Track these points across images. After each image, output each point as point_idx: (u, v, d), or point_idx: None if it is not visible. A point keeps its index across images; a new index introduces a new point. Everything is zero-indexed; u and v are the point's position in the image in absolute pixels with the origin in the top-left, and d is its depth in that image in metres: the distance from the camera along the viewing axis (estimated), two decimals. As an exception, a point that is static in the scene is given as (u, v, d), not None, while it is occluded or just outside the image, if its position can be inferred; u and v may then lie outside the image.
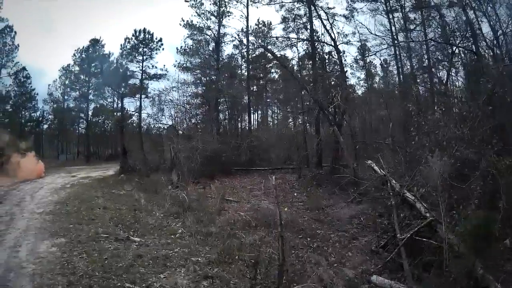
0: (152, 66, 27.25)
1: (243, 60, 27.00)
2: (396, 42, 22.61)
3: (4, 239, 8.75)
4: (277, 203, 7.49)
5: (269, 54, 26.09)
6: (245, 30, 25.27)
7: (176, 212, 12.27)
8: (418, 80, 22.19)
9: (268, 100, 29.32)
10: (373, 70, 25.61)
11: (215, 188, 15.82)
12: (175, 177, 16.86)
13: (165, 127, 25.14)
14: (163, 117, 24.57)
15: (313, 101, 19.10)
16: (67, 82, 28.48)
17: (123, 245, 8.72)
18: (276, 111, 30.74)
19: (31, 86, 27.50)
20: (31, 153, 21.24)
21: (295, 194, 15.60)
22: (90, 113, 28.93)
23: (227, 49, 27.14)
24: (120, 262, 7.54)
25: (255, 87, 27.96)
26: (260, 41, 26.33)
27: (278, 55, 25.05)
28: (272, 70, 28.85)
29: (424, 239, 8.06)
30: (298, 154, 20.08)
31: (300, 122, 23.73)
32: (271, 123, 30.34)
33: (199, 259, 8.13)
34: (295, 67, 26.18)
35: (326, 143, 19.20)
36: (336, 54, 22.05)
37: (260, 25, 26.33)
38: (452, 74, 21.01)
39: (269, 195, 14.35)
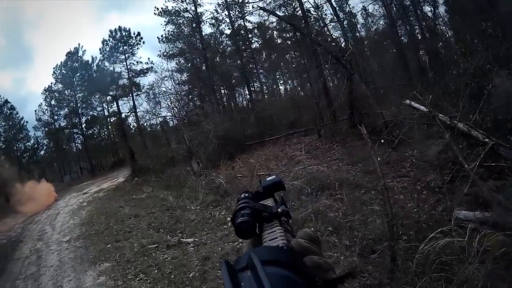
0: (137, 62, 25.95)
1: (223, 36, 25.52)
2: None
3: (40, 283, 7.49)
4: (373, 152, 6.23)
5: (248, 24, 25.00)
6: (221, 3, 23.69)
7: (214, 200, 11.08)
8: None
9: (260, 71, 27.66)
10: (353, 20, 24.15)
11: (243, 165, 14.57)
12: (196, 165, 15.62)
13: (165, 119, 23.83)
14: (161, 109, 23.10)
15: (323, 53, 17.49)
16: (53, 102, 27.09)
17: (179, 250, 7.47)
18: (268, 80, 29.17)
19: (19, 116, 26.50)
20: (38, 182, 20.14)
21: (327, 153, 14.31)
22: (83, 126, 27.46)
23: (208, 29, 25.48)
24: (189, 272, 6.30)
25: (239, 61, 26.19)
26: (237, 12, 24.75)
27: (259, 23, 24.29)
28: (255, 39, 27.17)
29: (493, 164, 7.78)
30: (313, 113, 18.74)
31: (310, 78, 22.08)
32: (267, 90, 28.87)
33: (274, 243, 6.86)
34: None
35: (338, 96, 17.87)
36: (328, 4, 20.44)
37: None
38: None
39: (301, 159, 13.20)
